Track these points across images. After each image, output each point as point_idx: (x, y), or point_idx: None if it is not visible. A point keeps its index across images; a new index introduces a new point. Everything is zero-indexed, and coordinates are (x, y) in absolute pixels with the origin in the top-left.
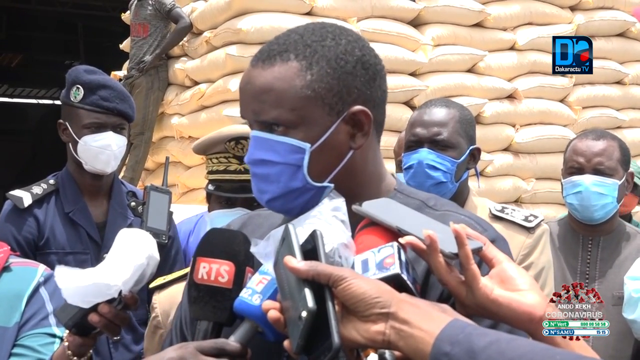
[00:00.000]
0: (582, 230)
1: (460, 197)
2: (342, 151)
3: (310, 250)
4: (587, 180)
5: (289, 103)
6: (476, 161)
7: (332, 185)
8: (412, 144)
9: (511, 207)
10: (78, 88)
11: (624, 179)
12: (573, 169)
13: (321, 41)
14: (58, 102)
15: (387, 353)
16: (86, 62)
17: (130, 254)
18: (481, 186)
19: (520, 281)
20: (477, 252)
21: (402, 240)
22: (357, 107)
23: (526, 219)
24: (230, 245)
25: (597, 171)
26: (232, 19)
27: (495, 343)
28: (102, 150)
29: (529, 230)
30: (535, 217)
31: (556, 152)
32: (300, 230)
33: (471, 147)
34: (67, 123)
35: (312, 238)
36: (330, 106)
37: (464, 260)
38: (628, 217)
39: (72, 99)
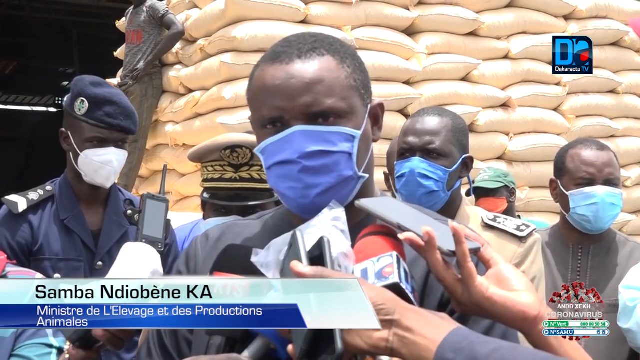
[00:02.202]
0: (572, 239)
1: (452, 206)
2: (369, 143)
3: (317, 257)
4: (600, 192)
5: (340, 92)
6: (469, 170)
7: (367, 175)
8: (405, 152)
9: (503, 217)
10: (83, 101)
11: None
12: (583, 180)
13: (337, 41)
14: (52, 110)
15: None
16: (80, 69)
17: (136, 268)
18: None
19: (516, 282)
20: (475, 252)
21: (401, 236)
22: (377, 101)
23: (518, 229)
24: (246, 261)
25: (608, 182)
26: (226, 27)
27: (497, 351)
28: (103, 165)
29: (521, 239)
30: (528, 226)
31: (550, 161)
32: None
33: (464, 156)
34: (69, 132)
35: (320, 245)
36: (363, 98)
37: (461, 257)
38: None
39: (76, 111)
